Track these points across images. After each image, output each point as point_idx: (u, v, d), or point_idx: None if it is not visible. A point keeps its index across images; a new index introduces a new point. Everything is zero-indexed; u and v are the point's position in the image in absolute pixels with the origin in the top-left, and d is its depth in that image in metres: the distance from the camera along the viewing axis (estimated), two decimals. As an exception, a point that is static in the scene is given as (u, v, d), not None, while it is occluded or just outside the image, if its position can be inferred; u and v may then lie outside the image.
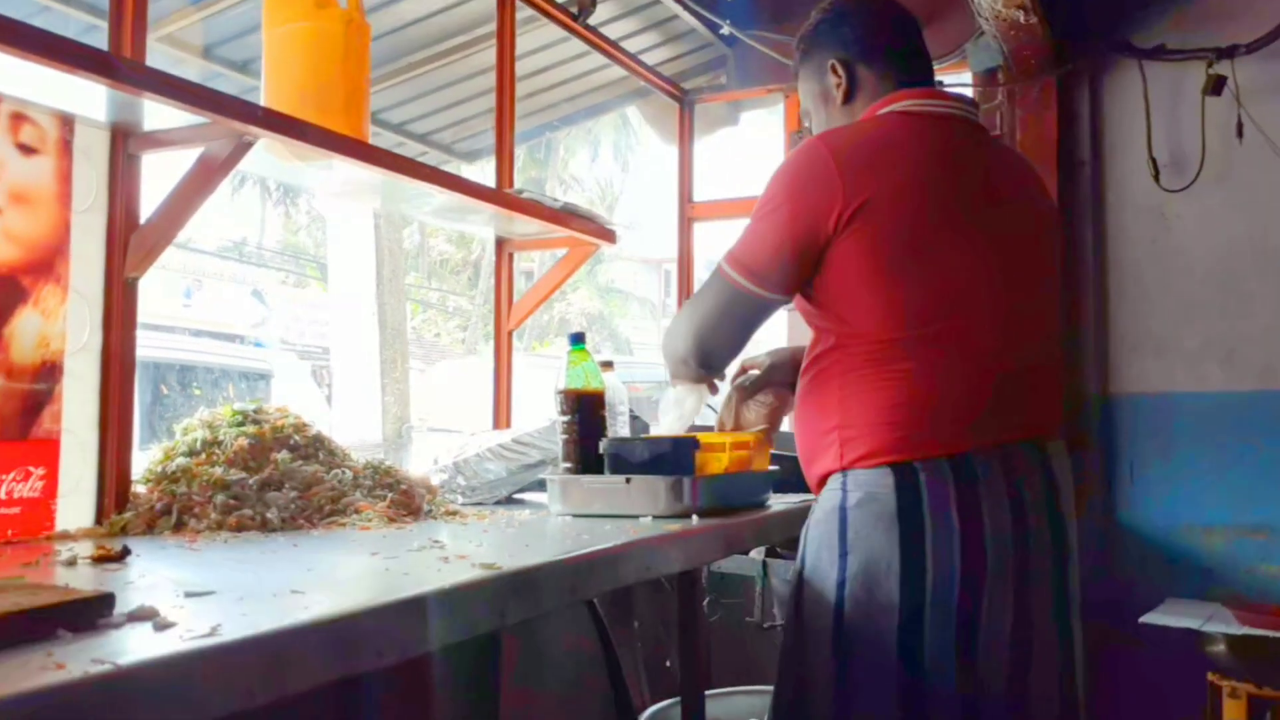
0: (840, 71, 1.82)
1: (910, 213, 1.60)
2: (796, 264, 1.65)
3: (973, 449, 1.58)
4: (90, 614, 0.97)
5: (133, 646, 0.88)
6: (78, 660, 0.82)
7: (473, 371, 11.47)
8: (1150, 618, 2.92)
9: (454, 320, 21.01)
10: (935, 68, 3.52)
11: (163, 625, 0.95)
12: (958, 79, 3.67)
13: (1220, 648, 2.74)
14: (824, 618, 1.60)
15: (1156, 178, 3.34)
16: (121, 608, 0.99)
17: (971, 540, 1.54)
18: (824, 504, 1.66)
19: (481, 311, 19.95)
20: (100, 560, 1.35)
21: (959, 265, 1.62)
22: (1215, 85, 3.20)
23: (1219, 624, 2.81)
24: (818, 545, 1.65)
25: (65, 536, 1.65)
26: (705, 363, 1.82)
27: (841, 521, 1.60)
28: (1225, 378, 3.29)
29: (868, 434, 1.60)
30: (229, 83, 3.31)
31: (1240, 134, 3.21)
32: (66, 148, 1.70)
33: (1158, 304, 3.40)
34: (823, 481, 1.69)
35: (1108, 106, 3.50)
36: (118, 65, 1.68)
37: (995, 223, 1.67)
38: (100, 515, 1.74)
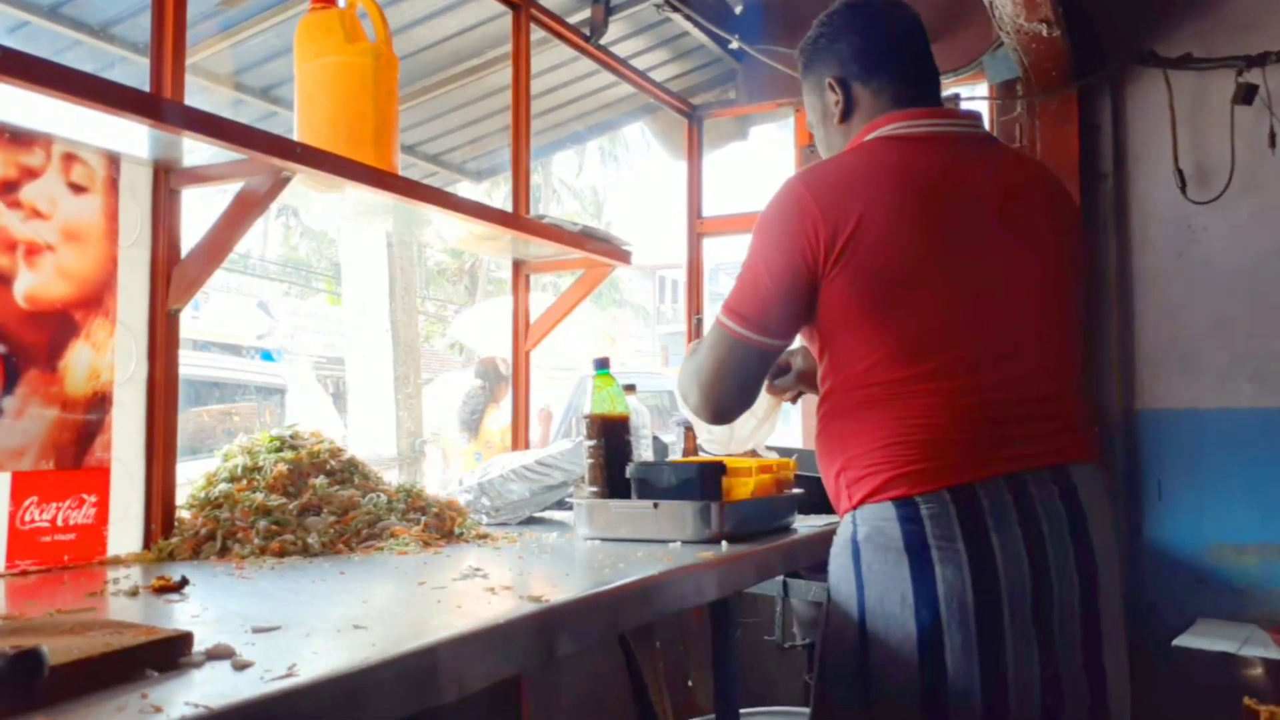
0: (837, 89, 1.77)
1: (893, 246, 1.57)
2: (792, 306, 1.64)
3: (976, 480, 1.55)
4: (173, 652, 1.01)
5: (220, 689, 0.92)
6: (172, 703, 0.87)
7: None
8: (1184, 640, 2.86)
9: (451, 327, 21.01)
10: (951, 79, 3.61)
11: (241, 665, 1.00)
12: (975, 90, 3.64)
13: (1258, 671, 2.69)
14: (848, 648, 1.60)
15: (1183, 189, 3.29)
16: (197, 644, 1.04)
17: (983, 569, 1.52)
18: (839, 536, 1.67)
19: (479, 321, 19.94)
20: (161, 590, 1.39)
21: (946, 298, 1.58)
22: (1246, 94, 3.15)
23: (1256, 647, 2.75)
24: (837, 578, 1.65)
25: (117, 562, 1.71)
26: (717, 417, 1.79)
27: (855, 554, 1.60)
28: (1256, 394, 3.22)
29: (868, 475, 1.59)
30: (251, 109, 3.36)
31: (1273, 144, 3.16)
32: (113, 185, 1.75)
33: (1184, 318, 3.34)
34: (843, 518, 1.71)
35: (1130, 117, 3.45)
36: (161, 106, 1.73)
37: (988, 245, 1.62)
38: (148, 540, 1.79)
